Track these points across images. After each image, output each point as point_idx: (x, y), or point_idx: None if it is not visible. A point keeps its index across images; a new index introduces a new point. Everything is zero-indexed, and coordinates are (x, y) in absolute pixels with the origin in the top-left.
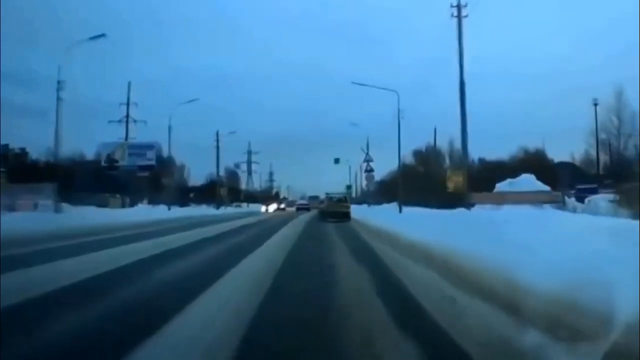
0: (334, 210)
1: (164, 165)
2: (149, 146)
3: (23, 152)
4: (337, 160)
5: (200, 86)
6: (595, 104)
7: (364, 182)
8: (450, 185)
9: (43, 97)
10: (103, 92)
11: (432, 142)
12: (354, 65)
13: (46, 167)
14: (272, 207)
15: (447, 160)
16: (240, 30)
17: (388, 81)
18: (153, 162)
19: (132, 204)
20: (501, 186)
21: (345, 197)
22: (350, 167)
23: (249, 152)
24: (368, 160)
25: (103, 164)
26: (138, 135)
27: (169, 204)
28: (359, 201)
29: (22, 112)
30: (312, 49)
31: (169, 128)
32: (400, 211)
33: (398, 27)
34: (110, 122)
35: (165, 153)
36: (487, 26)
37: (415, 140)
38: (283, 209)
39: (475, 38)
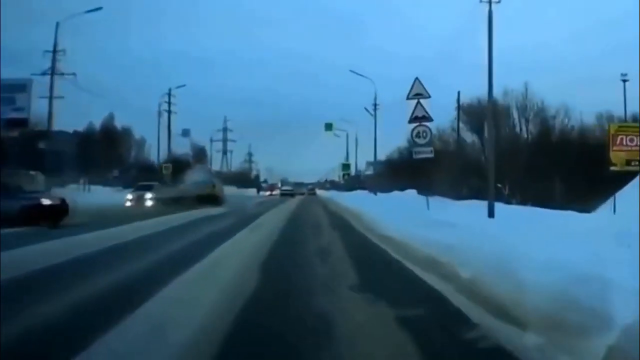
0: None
1: (113, 135)
2: (20, 86)
3: None
4: (329, 127)
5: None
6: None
7: (410, 141)
8: (619, 158)
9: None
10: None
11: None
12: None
13: None
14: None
15: (518, 118)
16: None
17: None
18: (25, 115)
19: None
20: None
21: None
22: (347, 136)
23: (225, 129)
24: (419, 94)
25: None
26: (67, 94)
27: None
28: (350, 187)
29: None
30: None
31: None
32: (490, 215)
33: None
34: (33, 75)
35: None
36: None
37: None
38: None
39: None
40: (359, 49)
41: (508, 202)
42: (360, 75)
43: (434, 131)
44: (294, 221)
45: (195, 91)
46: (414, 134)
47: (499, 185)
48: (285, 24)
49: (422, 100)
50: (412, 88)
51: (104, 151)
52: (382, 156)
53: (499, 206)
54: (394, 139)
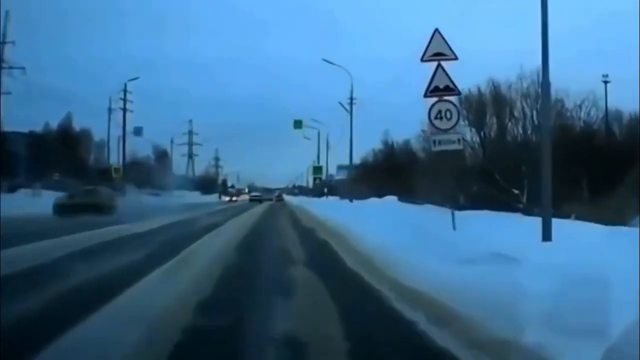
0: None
1: (71, 136)
2: None
3: None
4: (298, 124)
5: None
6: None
7: (430, 130)
8: None
9: None
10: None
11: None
12: None
13: None
14: None
15: (530, 110)
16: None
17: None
18: None
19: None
20: None
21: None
22: (318, 134)
23: (190, 132)
24: (439, 54)
25: None
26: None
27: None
28: (320, 192)
29: None
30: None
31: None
32: (546, 238)
33: None
34: None
35: None
36: None
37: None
38: None
39: None
40: (332, 49)
41: (527, 213)
42: (334, 64)
43: (424, 125)
44: (249, 251)
45: (154, 90)
46: (433, 114)
47: (515, 191)
48: (255, 22)
49: (443, 63)
50: (429, 45)
51: (61, 154)
52: (355, 159)
53: (528, 220)
54: (367, 141)
